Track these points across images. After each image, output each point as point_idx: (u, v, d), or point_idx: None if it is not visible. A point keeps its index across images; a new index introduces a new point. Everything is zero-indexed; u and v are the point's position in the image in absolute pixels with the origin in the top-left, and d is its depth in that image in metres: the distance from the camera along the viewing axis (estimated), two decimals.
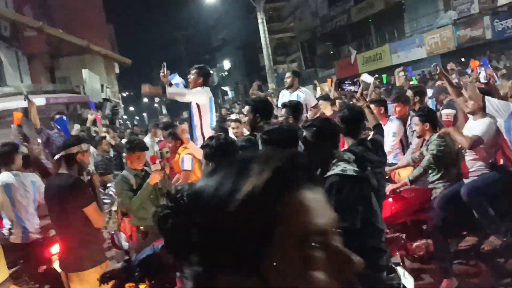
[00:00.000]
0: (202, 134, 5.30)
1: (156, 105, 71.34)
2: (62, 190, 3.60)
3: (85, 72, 18.01)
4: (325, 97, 7.61)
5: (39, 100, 13.44)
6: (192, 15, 50.48)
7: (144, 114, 64.78)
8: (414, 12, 23.19)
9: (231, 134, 6.06)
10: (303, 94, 6.84)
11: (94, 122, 9.15)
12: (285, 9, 36.62)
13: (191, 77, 5.40)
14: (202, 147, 3.69)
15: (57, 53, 21.86)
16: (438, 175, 4.60)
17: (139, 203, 4.47)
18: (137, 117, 68.21)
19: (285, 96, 6.90)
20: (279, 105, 6.08)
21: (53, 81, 20.68)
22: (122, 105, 25.50)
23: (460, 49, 19.04)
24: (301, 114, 4.99)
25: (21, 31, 19.08)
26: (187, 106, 5.84)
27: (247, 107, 4.27)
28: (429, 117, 4.74)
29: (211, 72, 5.75)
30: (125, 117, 45.41)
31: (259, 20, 20.75)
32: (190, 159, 5.27)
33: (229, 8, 39.97)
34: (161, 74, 5.19)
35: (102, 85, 21.10)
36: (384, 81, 10.61)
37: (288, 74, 7.21)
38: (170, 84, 5.34)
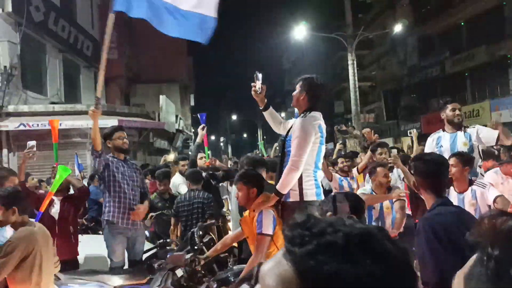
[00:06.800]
0: (300, 184, 3.53)
1: (221, 144, 71.26)
2: None
3: (162, 98, 17.06)
4: None
5: (112, 122, 12.47)
6: (267, 58, 50.41)
7: (209, 152, 63.95)
8: None
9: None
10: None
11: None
12: (368, 57, 34.96)
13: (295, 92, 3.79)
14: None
15: (135, 78, 21.32)
16: None
17: None
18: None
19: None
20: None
21: (128, 105, 20.00)
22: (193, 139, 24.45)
23: None
24: None
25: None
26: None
27: None
28: None
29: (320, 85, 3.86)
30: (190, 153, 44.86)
31: (349, 62, 19.08)
32: (272, 217, 3.44)
33: (307, 53, 39.00)
34: (254, 88, 3.76)
35: (176, 116, 20.12)
36: None
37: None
38: (265, 108, 3.98)
